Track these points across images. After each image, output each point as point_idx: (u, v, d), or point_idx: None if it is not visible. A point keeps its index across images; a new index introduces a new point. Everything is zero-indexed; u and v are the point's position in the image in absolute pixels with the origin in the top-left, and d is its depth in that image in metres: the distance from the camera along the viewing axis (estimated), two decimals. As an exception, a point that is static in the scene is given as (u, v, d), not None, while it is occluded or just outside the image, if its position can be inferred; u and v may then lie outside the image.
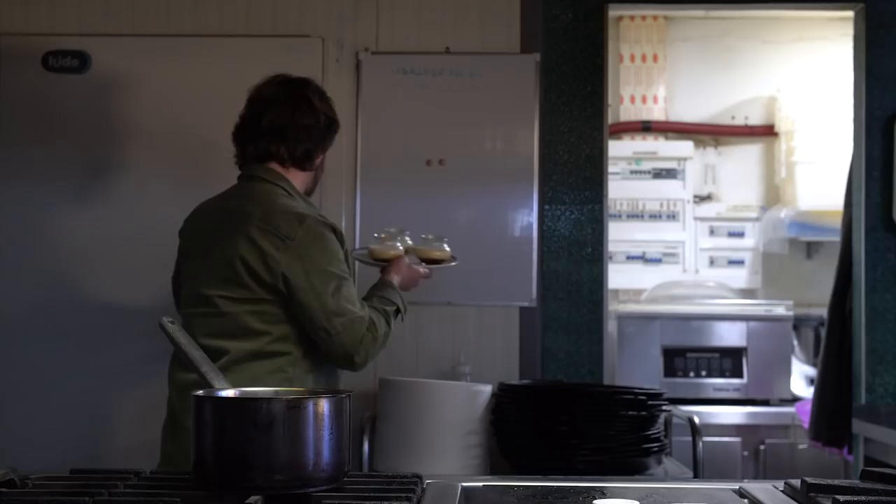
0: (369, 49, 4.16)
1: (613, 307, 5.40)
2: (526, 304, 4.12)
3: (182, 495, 1.61)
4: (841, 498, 1.59)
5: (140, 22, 4.14)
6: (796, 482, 1.78)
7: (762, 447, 5.22)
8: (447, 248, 3.51)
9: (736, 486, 1.89)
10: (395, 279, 3.25)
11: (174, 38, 4.12)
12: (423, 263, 3.41)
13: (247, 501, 1.56)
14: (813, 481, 1.73)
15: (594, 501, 1.68)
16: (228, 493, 1.64)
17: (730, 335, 5.45)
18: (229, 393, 1.81)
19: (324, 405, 1.69)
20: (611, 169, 4.38)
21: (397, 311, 3.17)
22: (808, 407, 4.75)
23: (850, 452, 4.39)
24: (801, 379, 5.62)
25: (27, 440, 3.92)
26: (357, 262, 3.51)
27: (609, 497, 1.75)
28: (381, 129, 4.15)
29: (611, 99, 4.52)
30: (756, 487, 1.85)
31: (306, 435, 1.67)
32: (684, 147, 6.40)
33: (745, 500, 1.81)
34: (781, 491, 1.83)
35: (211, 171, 4.06)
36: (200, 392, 1.76)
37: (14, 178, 4.06)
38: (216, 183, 4.03)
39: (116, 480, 1.74)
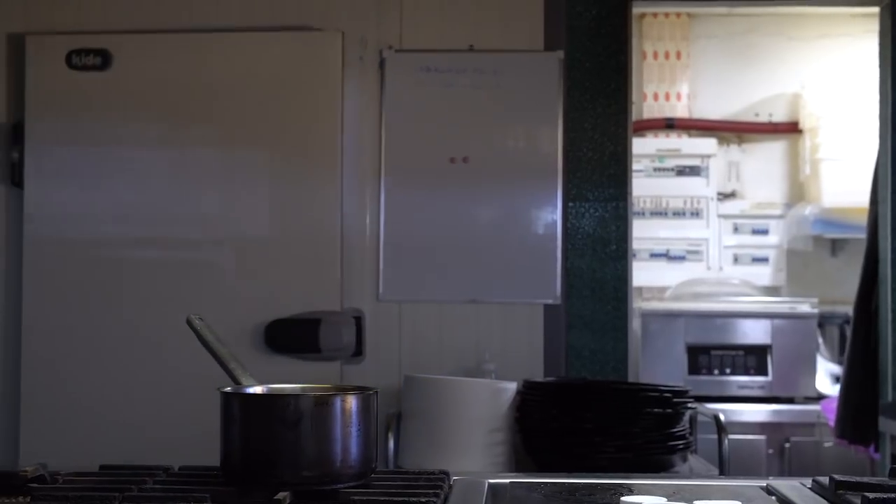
0: (393, 47, 4.16)
1: (637, 305, 5.39)
2: (550, 301, 4.12)
3: (211, 491, 1.61)
4: (870, 495, 1.58)
5: (162, 18, 4.14)
6: (824, 479, 1.78)
7: (787, 445, 5.21)
8: None
9: (763, 483, 1.88)
10: None
11: (196, 33, 4.12)
12: None
13: (275, 497, 1.56)
14: (841, 478, 1.72)
15: (621, 498, 1.68)
16: (256, 490, 1.64)
17: (754, 333, 5.44)
18: (257, 389, 1.82)
19: (351, 402, 1.70)
20: (634, 166, 4.37)
21: None
22: (833, 405, 4.73)
23: (876, 451, 4.37)
24: (826, 377, 5.60)
25: (57, 437, 3.95)
26: None
27: (636, 494, 1.75)
28: (405, 127, 4.15)
29: (634, 96, 4.51)
30: (784, 485, 1.84)
31: (334, 431, 1.67)
32: (708, 144, 6.39)
33: (773, 498, 1.81)
34: (809, 488, 1.82)
35: (233, 166, 4.09)
36: (228, 388, 1.77)
37: (40, 177, 4.06)
38: (240, 179, 4.06)
39: (145, 476, 1.75)
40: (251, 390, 1.81)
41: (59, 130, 4.08)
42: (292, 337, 3.97)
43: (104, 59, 4.05)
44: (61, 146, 4.08)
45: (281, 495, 1.57)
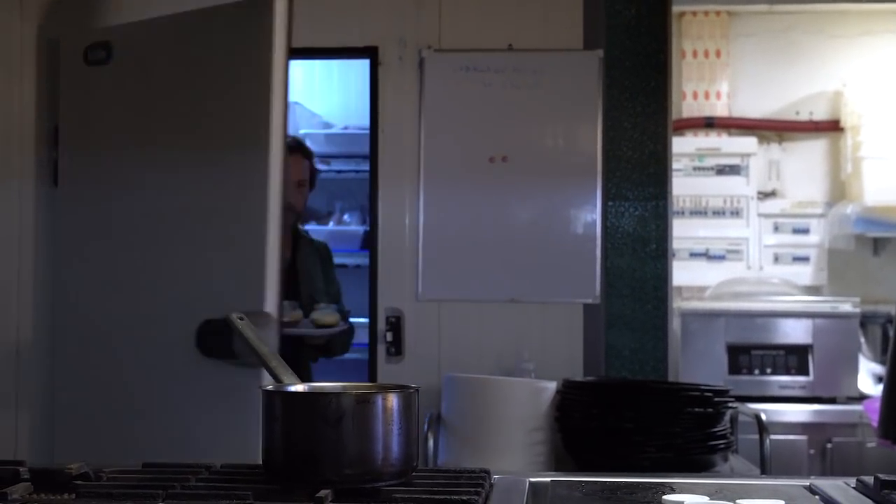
0: (432, 47, 4.17)
1: (677, 304, 5.36)
2: (589, 300, 4.11)
3: (253, 489, 1.62)
4: (916, 495, 1.56)
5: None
6: (869, 479, 1.76)
7: (829, 445, 5.17)
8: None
9: (807, 482, 1.87)
10: None
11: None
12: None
13: (317, 495, 1.56)
14: (887, 478, 1.70)
15: (663, 497, 1.67)
16: (298, 487, 1.65)
17: (795, 332, 5.39)
18: (298, 387, 1.82)
19: (392, 400, 1.70)
20: (674, 165, 4.35)
21: None
22: (876, 405, 4.68)
23: (919, 451, 4.33)
24: (868, 377, 5.55)
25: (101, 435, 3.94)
26: None
27: (678, 493, 1.74)
28: (444, 126, 4.16)
29: (673, 95, 4.49)
30: (827, 484, 1.83)
31: (375, 429, 1.68)
32: (748, 143, 6.36)
33: (817, 497, 1.79)
34: (853, 488, 1.81)
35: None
36: (270, 386, 1.78)
37: (73, 177, 4.00)
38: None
39: (188, 474, 1.76)
40: (293, 388, 1.81)
41: (82, 129, 3.95)
42: (212, 340, 3.45)
43: (107, 52, 3.85)
44: (88, 145, 3.96)
45: (322, 493, 1.57)
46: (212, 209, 3.57)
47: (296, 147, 4.31)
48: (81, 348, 3.95)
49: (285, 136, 3.34)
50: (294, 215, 4.27)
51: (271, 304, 3.16)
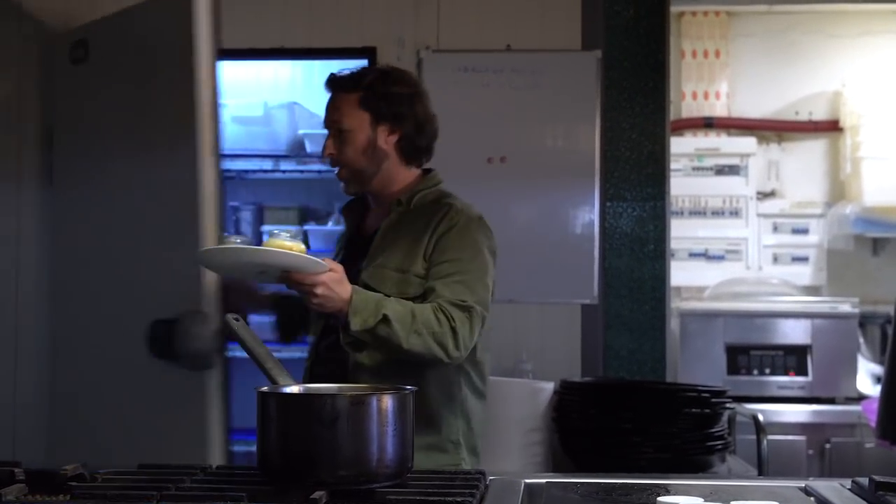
0: (430, 47, 4.17)
1: (676, 304, 5.36)
2: (588, 301, 4.11)
3: (248, 490, 1.62)
4: (910, 496, 1.56)
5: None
6: (864, 480, 1.76)
7: (828, 446, 5.17)
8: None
9: (802, 484, 1.87)
10: None
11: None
12: None
13: (311, 496, 1.57)
14: (881, 479, 1.70)
15: (658, 498, 1.68)
16: (293, 488, 1.65)
17: (794, 333, 5.39)
18: (294, 389, 1.82)
19: (387, 401, 1.70)
20: (673, 166, 4.35)
21: None
22: (874, 405, 4.68)
23: (918, 452, 4.32)
24: (867, 377, 5.55)
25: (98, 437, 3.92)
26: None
27: (673, 494, 1.74)
28: (442, 126, 4.13)
29: (672, 95, 4.49)
30: (822, 486, 1.83)
31: (370, 431, 1.68)
32: (747, 143, 6.36)
33: (812, 499, 1.79)
34: (849, 489, 1.81)
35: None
36: (265, 388, 1.78)
37: (66, 177, 3.97)
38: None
39: (183, 475, 1.76)
40: (288, 390, 1.82)
41: (71, 129, 3.88)
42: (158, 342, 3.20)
43: (86, 50, 3.71)
44: (78, 146, 3.92)
45: (317, 494, 1.57)
46: (153, 209, 3.46)
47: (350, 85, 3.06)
48: (72, 349, 3.89)
49: (216, 134, 3.15)
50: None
51: (209, 302, 3.07)
